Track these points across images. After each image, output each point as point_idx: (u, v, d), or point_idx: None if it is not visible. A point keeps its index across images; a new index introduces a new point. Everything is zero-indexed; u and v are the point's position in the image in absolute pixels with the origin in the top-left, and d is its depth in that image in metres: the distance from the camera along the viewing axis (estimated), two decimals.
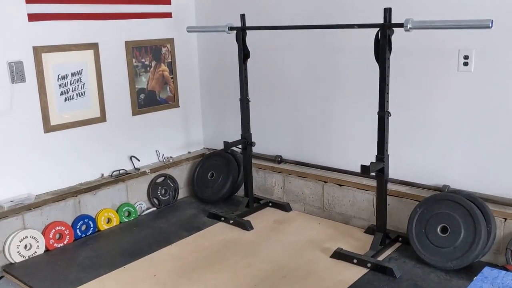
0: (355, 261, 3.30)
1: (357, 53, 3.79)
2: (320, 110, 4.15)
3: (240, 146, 4.20)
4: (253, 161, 4.56)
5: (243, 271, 3.29)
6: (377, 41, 3.18)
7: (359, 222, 3.92)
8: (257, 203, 4.39)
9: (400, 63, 3.49)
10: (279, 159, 4.49)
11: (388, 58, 3.18)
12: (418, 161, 3.66)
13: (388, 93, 3.24)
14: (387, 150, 3.32)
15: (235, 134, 4.58)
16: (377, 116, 3.30)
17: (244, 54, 3.95)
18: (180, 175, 4.82)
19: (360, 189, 3.88)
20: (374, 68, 3.26)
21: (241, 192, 4.65)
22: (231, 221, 4.05)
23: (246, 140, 4.12)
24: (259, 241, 3.73)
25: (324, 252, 3.50)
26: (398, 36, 3.20)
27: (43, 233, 3.73)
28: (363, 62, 3.71)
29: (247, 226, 3.94)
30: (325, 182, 4.09)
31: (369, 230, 3.78)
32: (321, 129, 4.19)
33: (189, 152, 5.08)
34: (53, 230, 3.77)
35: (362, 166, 3.16)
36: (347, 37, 3.84)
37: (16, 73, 3.60)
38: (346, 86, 3.94)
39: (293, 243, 3.67)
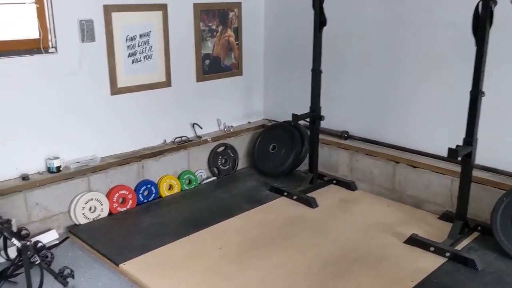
0: (432, 249, 3.11)
1: (448, 26, 3.49)
2: (396, 85, 3.89)
3: (307, 119, 4.00)
4: (324, 137, 4.38)
5: (311, 250, 3.16)
6: (476, 13, 2.89)
7: (433, 207, 3.69)
8: (320, 180, 4.23)
9: (495, 39, 3.18)
10: (345, 135, 4.28)
11: (488, 33, 2.89)
12: (504, 146, 3.38)
13: (483, 71, 2.96)
14: (476, 134, 3.06)
15: (297, 107, 4.39)
16: (466, 95, 3.03)
17: (320, 21, 3.71)
18: (240, 145, 4.69)
19: (436, 172, 3.64)
20: (467, 43, 2.98)
21: (302, 167, 4.50)
22: (295, 197, 3.91)
23: (316, 114, 3.93)
24: (325, 220, 3.58)
25: (397, 237, 3.31)
26: (500, 9, 2.90)
27: (107, 196, 3.70)
28: (454, 36, 3.42)
29: (312, 203, 3.79)
30: (396, 162, 3.87)
31: (443, 217, 3.56)
32: (395, 106, 3.93)
33: (249, 122, 4.93)
34: (117, 194, 3.73)
35: (450, 150, 2.92)
36: (436, 8, 3.54)
37: (87, 32, 3.51)
38: (432, 61, 3.65)
39: (362, 225, 3.50)
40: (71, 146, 3.63)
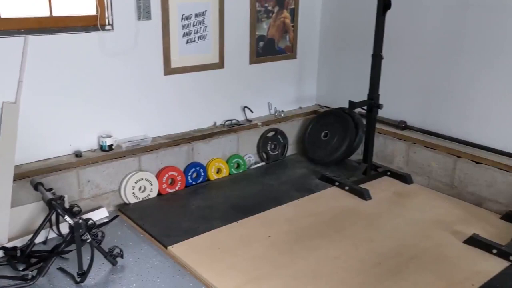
0: (494, 251, 2.91)
1: None
2: (459, 74, 3.65)
3: (365, 107, 3.83)
4: (380, 126, 4.20)
5: (364, 245, 3.03)
6: None
7: (495, 206, 3.47)
8: (374, 171, 4.06)
9: None
10: (403, 125, 4.08)
11: None
12: None
13: None
14: None
15: (352, 93, 4.25)
16: None
17: (384, 4, 3.51)
18: (291, 131, 4.57)
19: (502, 169, 3.40)
20: None
21: (354, 156, 4.34)
22: (347, 187, 3.77)
23: (373, 102, 3.75)
24: (379, 214, 3.43)
25: (456, 236, 3.13)
26: None
27: (157, 176, 3.68)
28: None
29: (365, 195, 3.64)
30: (458, 156, 3.65)
31: (507, 217, 3.34)
32: (457, 96, 3.70)
33: (300, 108, 4.80)
34: (167, 175, 3.71)
35: None
36: None
37: (143, 9, 3.46)
38: (499, 50, 3.39)
39: (418, 221, 3.33)
40: (123, 125, 3.62)
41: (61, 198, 2.96)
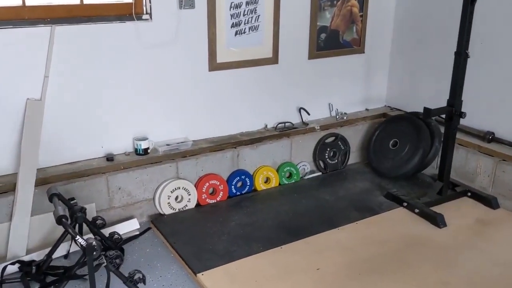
0: None
1: None
2: None
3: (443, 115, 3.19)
4: (459, 136, 3.54)
5: None
6: None
7: None
8: (450, 190, 3.41)
9: None
10: (490, 137, 3.39)
11: None
12: None
13: None
14: None
15: (429, 95, 3.68)
16: None
17: None
18: (353, 136, 4.00)
19: None
20: None
21: (427, 170, 3.70)
22: (417, 210, 3.16)
23: (454, 109, 3.09)
24: (456, 247, 2.81)
25: None
26: None
27: (196, 185, 3.28)
28: None
29: (438, 221, 3.02)
30: None
31: None
32: None
33: (366, 110, 4.20)
34: (207, 184, 3.30)
35: None
36: None
37: None
38: None
39: (508, 262, 2.67)
40: (161, 126, 3.25)
41: (82, 210, 2.62)
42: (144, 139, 3.15)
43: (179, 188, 3.18)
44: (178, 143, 3.27)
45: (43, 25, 2.69)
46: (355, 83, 4.07)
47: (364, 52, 4.00)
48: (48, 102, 2.82)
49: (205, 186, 3.29)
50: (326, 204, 3.31)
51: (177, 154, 3.23)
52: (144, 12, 2.97)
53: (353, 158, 4.02)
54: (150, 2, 2.95)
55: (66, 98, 2.87)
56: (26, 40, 2.67)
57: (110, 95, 3.00)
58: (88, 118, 2.98)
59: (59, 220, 2.29)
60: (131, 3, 2.90)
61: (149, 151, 3.16)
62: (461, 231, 2.98)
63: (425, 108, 3.04)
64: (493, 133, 3.39)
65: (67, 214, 2.40)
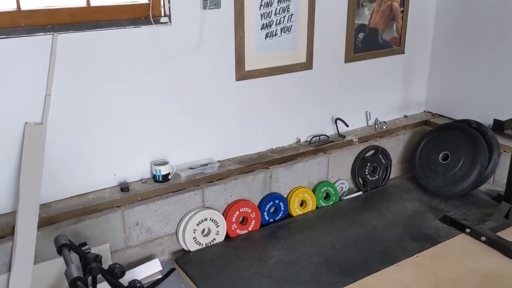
0: None
1: None
2: None
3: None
4: (510, 144, 3.12)
5: None
6: None
7: None
8: None
9: None
10: None
11: None
12: None
13: None
14: None
15: (475, 101, 3.29)
16: None
17: None
18: (394, 148, 3.55)
19: None
20: None
21: (483, 186, 3.26)
22: (483, 238, 2.72)
23: None
24: None
25: None
26: None
27: (225, 214, 2.82)
28: None
29: None
30: None
31: None
32: None
33: (405, 116, 3.75)
34: (237, 212, 2.84)
35: None
36: None
37: None
38: None
39: None
40: (182, 147, 2.78)
41: (98, 258, 2.16)
42: (164, 163, 2.68)
43: (206, 219, 2.72)
44: (202, 165, 2.81)
45: (42, 33, 2.21)
46: (393, 87, 3.62)
47: (404, 53, 3.54)
48: (51, 124, 2.34)
49: (235, 215, 2.83)
50: (376, 232, 2.86)
51: (202, 179, 2.77)
52: (163, 15, 2.49)
53: (394, 171, 3.57)
54: (169, 2, 2.47)
55: (71, 119, 2.40)
56: (22, 51, 2.19)
57: (123, 113, 2.53)
58: (98, 141, 2.50)
59: (73, 283, 1.82)
60: (148, 4, 2.42)
61: (169, 177, 2.69)
62: None
63: (495, 121, 2.59)
64: None
65: (81, 273, 1.93)
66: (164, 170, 2.66)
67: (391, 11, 3.35)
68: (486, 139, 3.14)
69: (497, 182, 3.25)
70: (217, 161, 2.89)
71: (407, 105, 3.75)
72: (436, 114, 3.77)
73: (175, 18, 2.51)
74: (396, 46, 3.48)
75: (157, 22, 2.46)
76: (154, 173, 2.67)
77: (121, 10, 2.38)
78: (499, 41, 3.20)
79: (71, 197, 2.50)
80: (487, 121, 3.31)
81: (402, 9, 3.39)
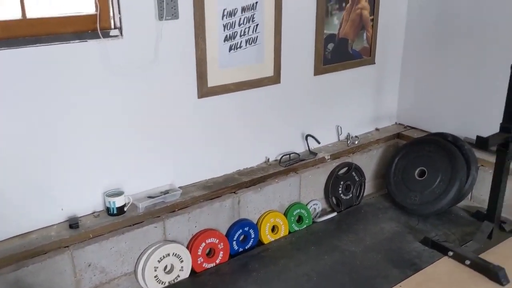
0: None
1: None
2: None
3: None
4: (489, 159, 3.00)
5: None
6: None
7: None
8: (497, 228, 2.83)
9: None
10: None
11: None
12: None
13: None
14: None
15: (450, 113, 3.29)
16: None
17: None
18: (368, 164, 3.36)
19: None
20: None
21: (463, 202, 3.12)
22: (468, 262, 2.55)
23: (510, 136, 2.50)
24: None
25: None
26: None
27: (190, 247, 2.54)
28: None
29: (500, 278, 2.41)
30: None
31: None
32: None
33: (376, 129, 3.58)
34: (203, 244, 2.56)
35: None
36: None
37: (167, 3, 2.28)
38: None
39: None
40: (139, 173, 2.48)
41: None
42: (118, 193, 2.38)
43: (169, 254, 2.43)
44: (162, 193, 2.52)
45: None
46: (364, 99, 3.43)
47: (374, 63, 3.37)
48: None
49: (201, 247, 2.55)
50: (355, 259, 2.64)
51: (163, 209, 2.48)
52: (112, 27, 2.19)
53: (367, 188, 3.38)
54: (119, 13, 2.18)
55: (7, 147, 2.06)
56: None
57: (69, 139, 2.21)
58: (40, 171, 2.18)
59: None
60: (95, 15, 2.11)
61: (125, 209, 2.39)
62: None
63: (478, 137, 2.42)
64: None
65: None
66: (119, 202, 2.35)
67: (360, 20, 3.16)
68: (464, 153, 3.00)
69: (475, 198, 3.11)
70: (179, 187, 2.61)
71: (378, 117, 3.58)
72: (408, 126, 3.62)
73: (127, 30, 2.22)
74: (366, 56, 3.30)
75: (106, 35, 2.16)
76: (108, 205, 2.36)
77: (64, 23, 2.07)
78: (472, 52, 3.08)
79: (10, 238, 2.16)
80: (461, 134, 3.19)
81: (372, 17, 3.22)
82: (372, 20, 3.23)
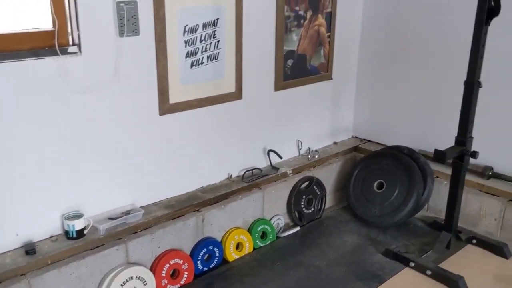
0: None
1: None
2: None
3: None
4: (443, 170, 3.11)
5: None
6: None
7: None
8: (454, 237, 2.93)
9: None
10: (489, 173, 2.97)
11: None
12: None
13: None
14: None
15: (404, 126, 3.42)
16: None
17: (489, 8, 2.37)
18: (328, 177, 3.40)
19: None
20: None
21: (419, 213, 3.21)
22: (429, 272, 2.62)
23: (465, 148, 2.61)
24: None
25: None
26: None
27: (153, 269, 2.46)
28: None
29: (460, 286, 2.49)
30: None
31: None
32: None
33: (335, 143, 3.64)
34: (167, 265, 2.49)
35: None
36: None
37: (127, 20, 2.23)
38: None
39: None
40: (99, 193, 2.39)
41: None
42: (78, 216, 2.28)
43: (132, 278, 2.34)
44: (124, 213, 2.44)
45: None
46: (322, 114, 3.49)
47: (332, 78, 3.43)
48: None
49: (165, 269, 2.48)
50: (320, 274, 2.65)
51: (125, 231, 2.39)
52: (71, 43, 2.11)
53: (328, 201, 3.41)
54: (78, 29, 2.10)
55: None
56: None
57: (24, 159, 2.10)
58: None
59: None
60: (52, 31, 2.03)
61: (85, 232, 2.29)
62: None
63: (436, 151, 2.50)
64: (491, 168, 2.98)
65: None
66: (78, 225, 2.25)
67: (318, 36, 3.22)
68: (419, 165, 3.10)
69: (431, 208, 3.22)
70: (141, 207, 2.53)
71: (336, 131, 3.64)
72: (364, 139, 3.70)
73: (86, 47, 2.15)
74: (324, 72, 3.36)
75: (65, 52, 2.08)
76: (67, 228, 2.25)
77: (18, 39, 1.97)
78: (423, 67, 3.20)
79: None
80: (416, 146, 3.30)
81: (329, 34, 3.28)
82: (329, 36, 3.30)
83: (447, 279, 2.54)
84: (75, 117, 2.21)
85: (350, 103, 3.68)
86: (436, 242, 2.82)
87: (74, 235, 2.25)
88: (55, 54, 2.04)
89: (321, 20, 3.20)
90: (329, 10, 3.22)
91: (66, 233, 2.26)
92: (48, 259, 2.14)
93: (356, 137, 3.77)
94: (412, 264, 2.69)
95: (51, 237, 2.27)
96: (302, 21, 3.08)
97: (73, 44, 2.11)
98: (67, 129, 2.20)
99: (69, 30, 2.09)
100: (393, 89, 3.43)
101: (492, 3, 2.33)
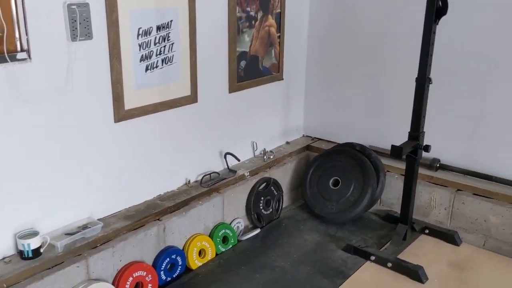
0: None
1: None
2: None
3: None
4: (393, 164, 3.23)
5: None
6: None
7: None
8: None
9: None
10: (437, 165, 3.12)
11: None
12: None
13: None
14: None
15: (353, 124, 3.50)
16: None
17: (437, 8, 2.47)
18: (284, 177, 3.42)
19: None
20: None
21: (373, 207, 3.30)
22: (389, 264, 2.70)
23: (418, 143, 2.71)
24: None
25: None
26: None
27: (116, 283, 2.35)
28: None
29: (420, 276, 2.59)
30: None
31: None
32: None
33: (287, 143, 3.66)
34: (130, 278, 2.39)
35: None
36: None
37: (80, 23, 2.10)
38: None
39: None
40: (54, 208, 2.25)
41: None
42: (33, 233, 2.13)
43: None
44: (81, 227, 2.31)
45: None
46: (275, 114, 3.50)
47: (283, 79, 3.45)
48: None
49: (129, 282, 2.38)
50: (286, 275, 2.65)
51: (84, 246, 2.26)
52: (19, 49, 1.96)
53: (284, 201, 3.43)
54: (27, 34, 1.96)
55: None
56: None
57: None
58: None
59: None
60: (0, 37, 1.87)
61: (42, 250, 2.14)
62: (442, 282, 2.59)
63: (393, 147, 2.58)
64: (439, 160, 3.13)
65: None
66: (34, 243, 2.10)
67: (269, 37, 3.22)
68: (372, 161, 3.19)
69: (384, 202, 3.32)
70: (99, 219, 2.41)
71: (288, 131, 3.67)
72: (315, 138, 3.76)
73: (35, 53, 2.00)
74: (275, 72, 3.37)
75: (13, 58, 1.93)
76: (21, 248, 2.09)
77: None
78: (371, 64, 3.29)
79: None
80: (366, 143, 3.38)
81: (279, 34, 3.30)
82: (279, 37, 3.31)
83: (407, 270, 2.64)
84: (25, 128, 2.06)
85: (300, 102, 3.72)
86: (393, 235, 2.92)
87: (30, 255, 2.10)
88: (4, 61, 1.88)
89: (271, 20, 3.20)
90: (278, 10, 3.24)
91: (21, 253, 2.10)
92: (3, 282, 1.98)
93: (307, 136, 3.81)
94: (373, 258, 2.76)
95: (4, 258, 2.10)
96: (253, 22, 3.06)
97: (22, 50, 1.96)
98: (16, 141, 2.04)
99: (17, 36, 1.94)
100: (341, 87, 3.51)
101: (440, 3, 2.44)
